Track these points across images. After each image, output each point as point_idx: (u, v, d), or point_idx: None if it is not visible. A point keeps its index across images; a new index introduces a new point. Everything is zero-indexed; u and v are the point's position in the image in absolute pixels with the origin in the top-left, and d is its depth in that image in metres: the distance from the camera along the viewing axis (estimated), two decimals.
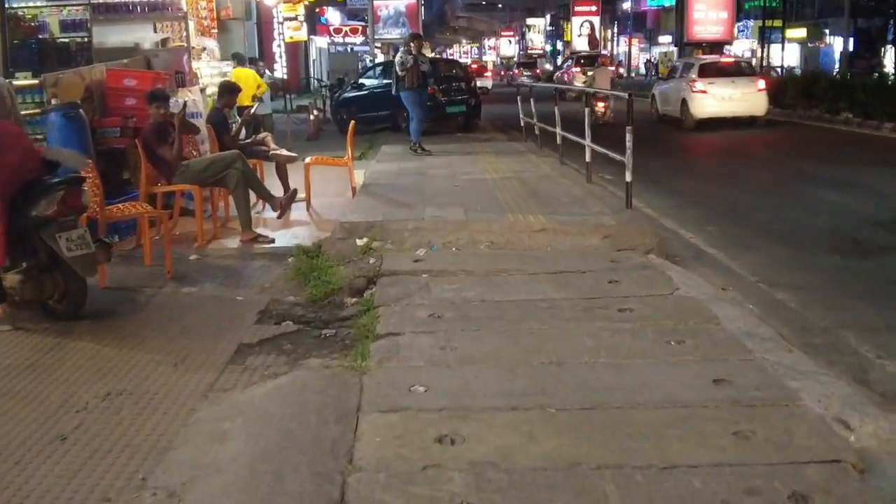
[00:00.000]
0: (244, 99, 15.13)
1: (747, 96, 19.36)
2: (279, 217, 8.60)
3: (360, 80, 22.04)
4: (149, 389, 4.27)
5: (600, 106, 19.24)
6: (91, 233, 5.70)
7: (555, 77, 46.13)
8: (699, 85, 19.15)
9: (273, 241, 7.96)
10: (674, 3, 55.79)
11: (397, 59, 14.40)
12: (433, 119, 19.17)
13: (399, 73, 14.06)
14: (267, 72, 15.90)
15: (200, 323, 5.51)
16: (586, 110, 10.70)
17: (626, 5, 64.56)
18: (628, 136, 8.22)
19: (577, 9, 55.36)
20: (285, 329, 5.33)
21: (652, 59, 60.62)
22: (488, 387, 4.03)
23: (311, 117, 20.27)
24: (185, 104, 8.49)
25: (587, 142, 10.04)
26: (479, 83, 38.03)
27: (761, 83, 20.11)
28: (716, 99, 19.03)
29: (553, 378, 4.13)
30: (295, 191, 8.94)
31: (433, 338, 4.82)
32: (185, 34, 11.65)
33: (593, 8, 55.42)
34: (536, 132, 14.05)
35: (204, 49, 13.22)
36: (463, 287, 5.94)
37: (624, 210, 8.33)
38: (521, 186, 9.90)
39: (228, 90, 10.23)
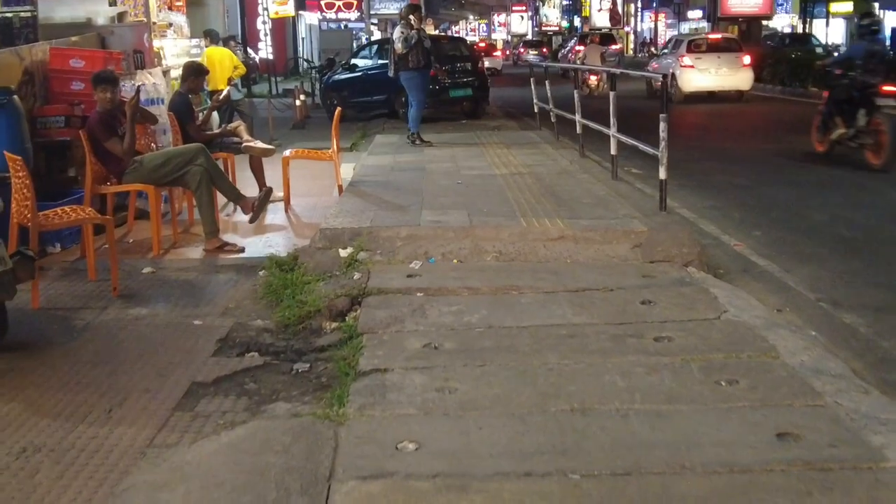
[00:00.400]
0: (219, 82, 14.77)
1: (733, 72, 22.62)
2: (251, 221, 8.15)
3: (353, 61, 21.63)
4: (74, 444, 3.82)
5: (593, 80, 23.80)
6: (22, 243, 5.31)
7: (559, 56, 45.81)
8: (687, 60, 22.65)
9: (242, 250, 7.56)
10: None
11: (396, 34, 13.80)
12: (435, 104, 18.77)
13: (400, 50, 13.54)
14: (240, 52, 15.44)
15: (147, 355, 5.06)
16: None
17: None
18: (662, 126, 7.77)
19: None
20: (249, 363, 4.90)
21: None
22: (495, 443, 3.60)
23: (297, 103, 19.85)
24: (138, 89, 8.04)
25: (612, 131, 9.59)
26: (487, 64, 38.02)
27: (746, 59, 23.10)
28: (702, 74, 22.39)
29: (576, 432, 3.69)
30: (270, 189, 8.50)
31: (428, 376, 4.40)
32: (145, 8, 11.26)
33: None
34: (553, 119, 13.65)
35: (170, 25, 12.82)
36: (465, 309, 5.53)
37: (657, 213, 7.88)
38: (535, 184, 9.47)
39: (193, 72, 9.83)
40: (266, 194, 8.30)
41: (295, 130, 18.81)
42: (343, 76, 21.19)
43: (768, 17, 35.52)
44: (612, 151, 9.74)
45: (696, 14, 62.54)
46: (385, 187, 9.71)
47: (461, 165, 11.21)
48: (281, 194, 9.47)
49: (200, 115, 9.99)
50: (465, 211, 8.03)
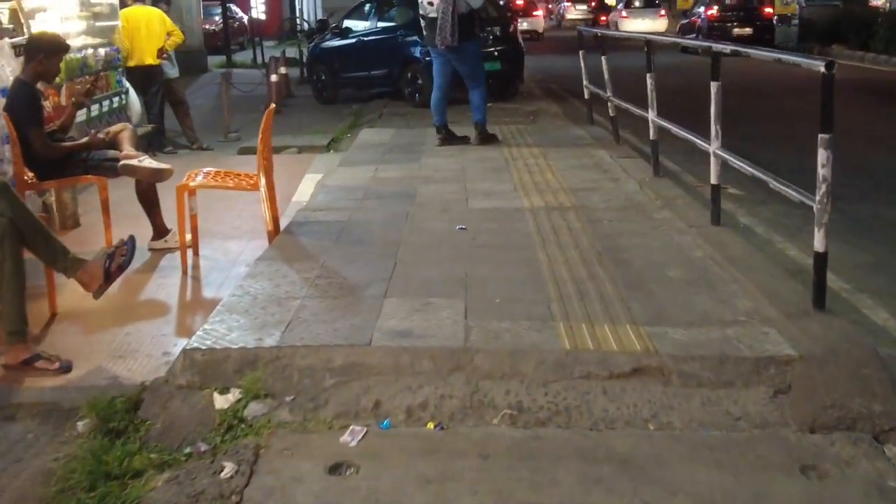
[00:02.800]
0: (146, 55, 11.98)
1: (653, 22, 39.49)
2: (96, 296, 5.27)
3: (346, 23, 18.35)
4: None
5: None
6: None
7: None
8: (624, 13, 41.41)
9: (67, 369, 4.78)
10: None
11: None
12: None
13: (464, 10, 10.61)
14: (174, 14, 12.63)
15: None
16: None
17: None
18: (821, 156, 4.62)
19: None
20: None
21: None
22: None
23: (274, 78, 16.97)
24: None
25: (713, 148, 6.39)
26: (525, 25, 35.09)
27: (662, 12, 41.29)
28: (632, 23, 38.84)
29: None
30: (127, 247, 5.56)
31: None
32: None
33: None
34: (611, 113, 10.58)
35: None
36: None
37: (810, 312, 4.82)
38: (586, 232, 6.43)
39: (42, 48, 6.96)
40: (120, 253, 5.45)
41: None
42: (333, 43, 18.14)
43: None
44: (714, 179, 6.52)
45: None
46: (340, 237, 6.57)
47: (471, 189, 8.10)
48: (187, 237, 6.80)
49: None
50: (460, 299, 5.01)
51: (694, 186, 8.52)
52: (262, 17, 35.30)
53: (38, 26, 9.28)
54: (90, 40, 10.74)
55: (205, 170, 7.16)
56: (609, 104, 10.41)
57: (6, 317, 4.81)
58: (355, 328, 4.63)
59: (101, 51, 10.81)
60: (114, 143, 7.20)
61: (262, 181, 6.73)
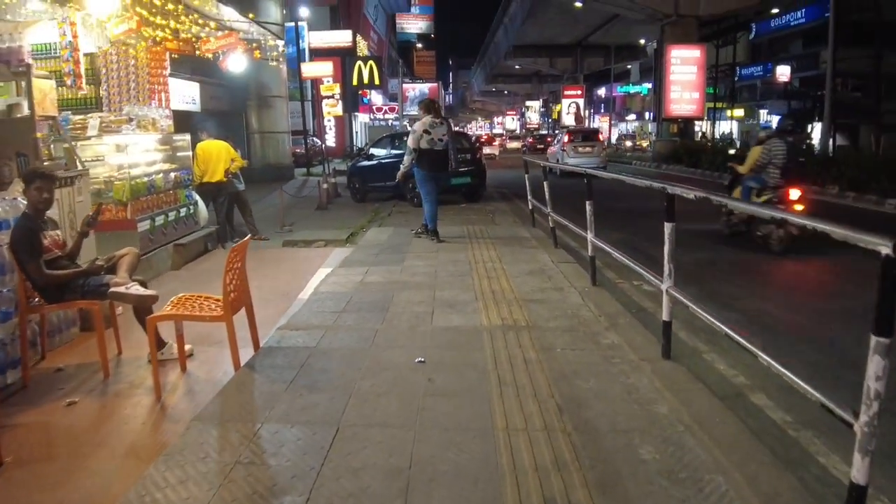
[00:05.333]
0: (216, 174, 9.30)
1: (595, 150, 22.57)
2: None
3: (371, 150, 16.06)
4: None
5: None
6: None
7: (547, 148, 40.65)
8: (568, 145, 22.57)
9: None
10: (644, 91, 50.35)
11: (435, 131, 8.26)
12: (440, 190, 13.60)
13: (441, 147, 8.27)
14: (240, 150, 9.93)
15: None
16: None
17: (601, 91, 60.43)
18: (878, 364, 1.91)
19: (566, 93, 51.52)
20: None
21: (625, 132, 55.26)
22: None
23: (324, 186, 14.45)
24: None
25: (666, 286, 3.62)
26: (487, 150, 33.02)
27: (601, 140, 25.29)
28: (575, 152, 22.11)
29: None
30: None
31: None
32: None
33: (578, 92, 51.59)
34: (551, 225, 7.65)
35: (130, 120, 7.31)
36: None
37: None
38: (543, 372, 3.65)
39: (37, 178, 4.25)
40: None
41: (318, 212, 13.50)
42: (363, 163, 15.65)
43: (700, 118, 29.64)
44: (665, 316, 3.74)
45: (631, 117, 57.94)
46: (297, 378, 3.68)
47: (438, 298, 5.29)
48: (189, 346, 4.02)
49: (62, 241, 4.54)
50: (399, 486, 2.31)
51: (626, 290, 5.73)
52: (333, 144, 32.97)
53: (121, 159, 6.64)
54: (165, 166, 8.00)
55: (187, 295, 4.33)
56: (549, 219, 7.54)
57: None
58: None
59: (172, 174, 8.05)
60: (114, 268, 4.43)
61: (229, 314, 3.88)
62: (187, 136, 8.71)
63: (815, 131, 35.40)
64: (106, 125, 7.03)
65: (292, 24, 23.34)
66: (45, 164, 5.50)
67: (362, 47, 34.53)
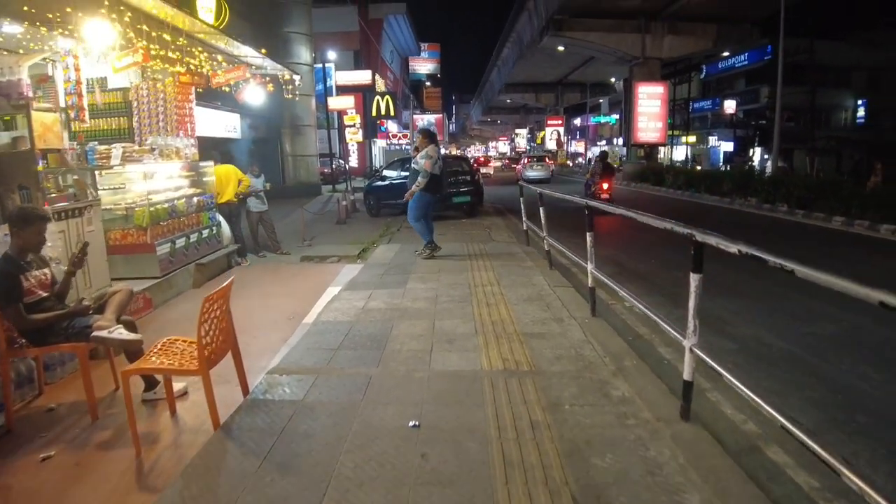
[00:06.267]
0: (228, 195, 8.24)
1: (544, 168, 27.02)
2: None
3: (384, 171, 15.04)
4: None
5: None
6: None
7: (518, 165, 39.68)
8: (528, 163, 27.36)
9: None
10: (613, 121, 49.21)
11: (433, 163, 7.16)
12: (443, 207, 12.61)
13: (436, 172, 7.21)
14: (256, 179, 8.79)
15: None
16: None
17: (577, 121, 59.33)
18: None
19: (549, 122, 50.49)
20: None
21: (591, 155, 54.23)
22: None
23: (344, 203, 13.50)
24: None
25: (689, 343, 2.57)
26: (484, 170, 32.41)
27: (549, 163, 29.01)
28: (532, 167, 26.75)
29: None
30: None
31: None
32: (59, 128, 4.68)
33: (559, 122, 50.55)
34: (546, 248, 6.50)
35: (153, 150, 6.30)
36: None
37: None
38: (552, 441, 2.59)
39: (13, 222, 3.19)
40: None
41: (337, 226, 12.47)
42: (377, 182, 14.55)
43: (663, 144, 28.45)
44: (687, 376, 2.66)
45: (602, 142, 56.70)
46: (274, 447, 2.59)
47: (438, 330, 4.23)
48: (183, 385, 3.00)
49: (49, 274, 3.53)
50: None
51: (630, 321, 4.67)
52: (356, 164, 32.08)
53: (143, 186, 5.60)
54: (189, 191, 6.96)
55: (173, 339, 3.29)
56: (545, 242, 6.46)
57: None
58: None
59: (195, 199, 7.02)
60: (103, 307, 3.41)
61: (207, 370, 2.84)
62: (211, 163, 7.66)
63: (756, 155, 34.43)
64: (129, 154, 6.00)
65: (320, 65, 22.41)
66: (52, 195, 4.46)
67: (380, 84, 33.53)
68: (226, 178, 7.90)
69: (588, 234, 4.35)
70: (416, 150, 7.41)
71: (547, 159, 29.84)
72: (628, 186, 23.90)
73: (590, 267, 4.39)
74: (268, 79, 7.54)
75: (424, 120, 38.83)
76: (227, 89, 6.99)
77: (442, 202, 12.28)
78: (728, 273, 6.09)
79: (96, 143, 6.11)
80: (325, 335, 4.24)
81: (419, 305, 4.98)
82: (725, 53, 32.45)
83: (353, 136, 25.78)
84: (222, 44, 5.82)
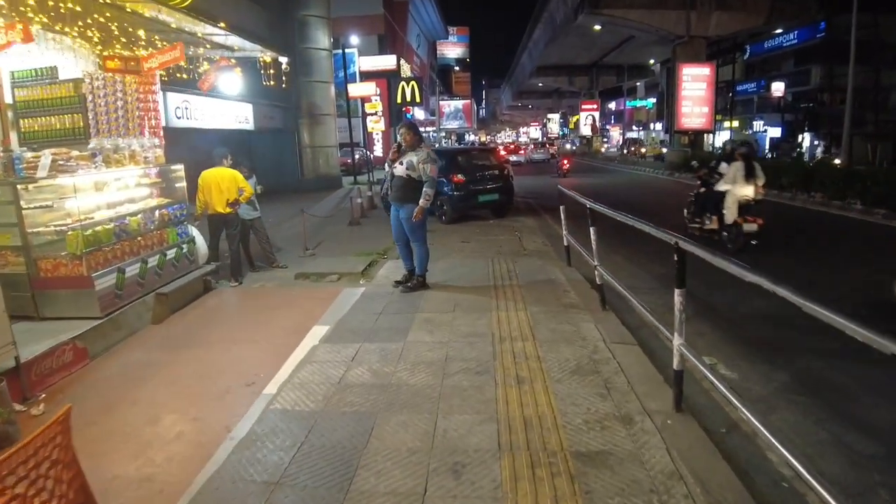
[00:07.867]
0: (217, 205, 6.77)
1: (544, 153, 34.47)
2: None
3: None
4: None
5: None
6: None
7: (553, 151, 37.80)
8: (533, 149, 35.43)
9: None
10: (650, 105, 46.34)
11: (432, 166, 5.41)
12: (466, 209, 10.77)
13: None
14: (254, 179, 7.35)
15: None
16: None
17: (612, 105, 56.47)
18: None
19: (583, 107, 48.23)
20: None
21: (633, 139, 51.25)
22: None
23: (359, 201, 11.96)
24: None
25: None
26: (514, 158, 31.43)
27: (549, 148, 36.16)
28: (535, 151, 35.05)
29: None
30: None
31: None
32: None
33: (594, 106, 48.39)
34: (598, 281, 4.78)
35: (94, 156, 4.91)
36: None
37: None
38: None
39: None
40: None
41: (349, 227, 11.04)
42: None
43: (710, 131, 26.04)
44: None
45: (637, 127, 53.68)
46: None
47: (441, 441, 2.66)
48: None
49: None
50: None
51: (717, 401, 3.09)
52: (380, 153, 30.92)
53: (81, 201, 4.22)
54: (150, 203, 5.60)
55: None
56: (596, 273, 4.81)
57: None
58: None
59: (157, 212, 5.64)
60: None
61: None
62: (180, 167, 6.22)
63: (805, 141, 31.50)
64: (61, 163, 4.65)
65: (339, 51, 20.92)
66: None
67: (405, 69, 31.81)
68: (216, 186, 6.44)
69: (677, 292, 2.74)
70: (399, 148, 5.53)
71: (547, 145, 36.23)
72: (671, 176, 21.81)
73: (676, 342, 2.79)
74: (234, 61, 6.04)
75: (451, 106, 37.08)
76: (185, 76, 5.53)
77: (466, 202, 10.60)
78: None
79: (24, 149, 4.76)
80: (270, 443, 2.77)
81: (419, 380, 3.48)
82: (778, 31, 29.54)
83: (375, 126, 24.34)
84: (169, 17, 4.36)
